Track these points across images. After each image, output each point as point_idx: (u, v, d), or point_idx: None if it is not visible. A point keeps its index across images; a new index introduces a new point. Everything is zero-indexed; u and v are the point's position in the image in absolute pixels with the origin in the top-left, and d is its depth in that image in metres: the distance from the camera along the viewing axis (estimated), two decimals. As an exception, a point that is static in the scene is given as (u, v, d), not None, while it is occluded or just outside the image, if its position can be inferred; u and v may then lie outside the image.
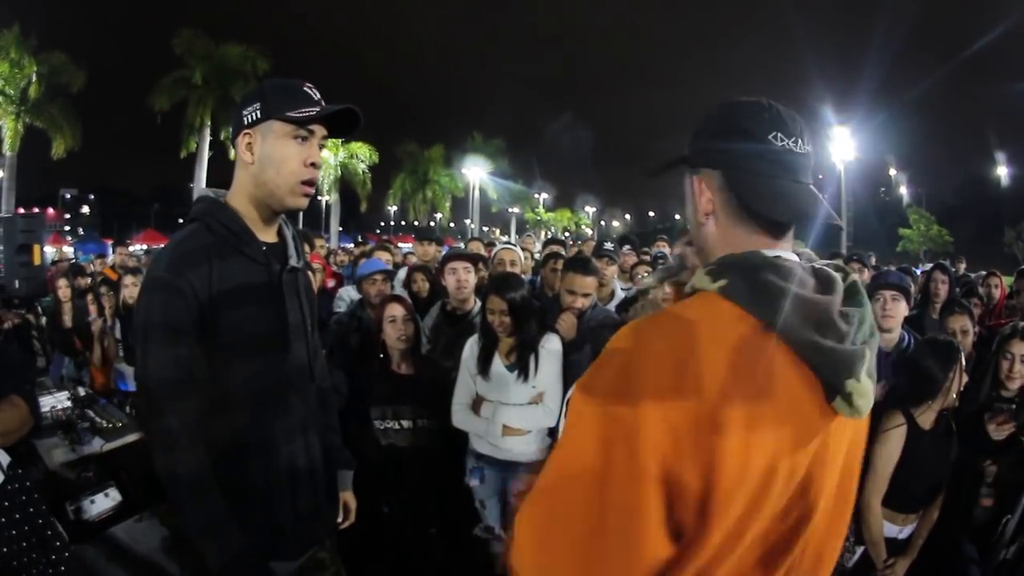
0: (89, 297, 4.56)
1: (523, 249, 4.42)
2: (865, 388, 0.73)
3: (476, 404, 2.43)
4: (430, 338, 2.87)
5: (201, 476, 1.17)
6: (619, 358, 0.72)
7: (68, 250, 18.03)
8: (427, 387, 2.49)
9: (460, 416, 2.44)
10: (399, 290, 3.45)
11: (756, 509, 0.69)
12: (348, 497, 1.62)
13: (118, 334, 4.20)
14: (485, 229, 47.29)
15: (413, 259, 4.89)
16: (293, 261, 1.36)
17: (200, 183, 20.90)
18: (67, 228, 40.14)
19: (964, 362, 2.21)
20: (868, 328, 0.78)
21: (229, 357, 1.23)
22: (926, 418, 2.21)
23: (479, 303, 2.83)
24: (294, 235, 1.42)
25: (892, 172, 47.34)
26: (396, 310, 2.49)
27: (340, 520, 1.60)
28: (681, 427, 0.66)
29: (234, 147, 1.29)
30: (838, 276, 0.79)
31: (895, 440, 2.16)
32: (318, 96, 1.28)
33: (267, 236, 1.33)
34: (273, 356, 1.30)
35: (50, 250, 13.97)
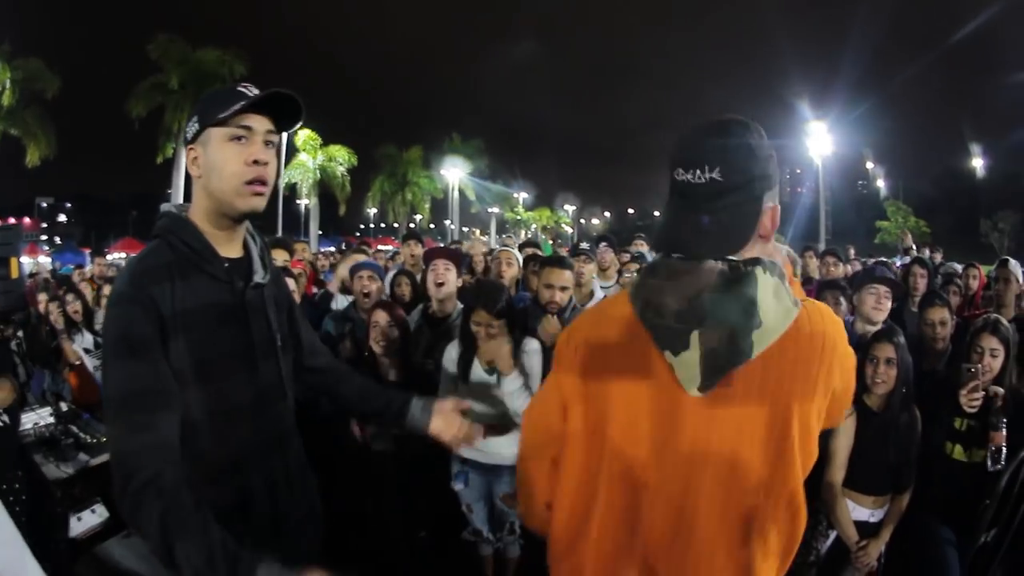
0: (53, 308, 4.39)
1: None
2: (683, 362, 0.89)
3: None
4: (411, 341, 2.86)
5: (182, 498, 1.02)
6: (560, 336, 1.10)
7: (45, 260, 17.63)
8: (414, 389, 2.48)
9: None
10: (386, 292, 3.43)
11: (603, 443, 0.98)
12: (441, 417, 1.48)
13: (89, 344, 4.09)
14: (465, 229, 47.20)
15: (398, 260, 4.85)
16: (258, 277, 1.31)
17: (178, 189, 20.63)
18: (43, 238, 39.30)
19: (895, 354, 2.36)
20: (736, 315, 0.88)
21: (191, 380, 1.17)
22: (872, 401, 2.40)
23: (460, 306, 2.81)
24: (261, 248, 1.36)
25: (869, 165, 48.11)
26: (380, 316, 2.48)
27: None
28: (569, 380, 1.03)
29: (185, 163, 1.27)
30: (701, 267, 0.92)
31: (847, 427, 2.35)
32: (254, 92, 1.21)
33: (230, 251, 1.28)
34: (238, 377, 1.24)
35: (27, 261, 13.65)
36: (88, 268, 7.78)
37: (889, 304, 2.82)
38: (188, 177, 1.26)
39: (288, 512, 1.32)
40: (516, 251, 3.64)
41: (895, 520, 2.39)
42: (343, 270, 3.62)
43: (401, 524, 2.48)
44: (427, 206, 34.07)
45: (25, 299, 5.41)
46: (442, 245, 7.36)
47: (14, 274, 4.11)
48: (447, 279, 2.79)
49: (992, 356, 2.40)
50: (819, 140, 24.20)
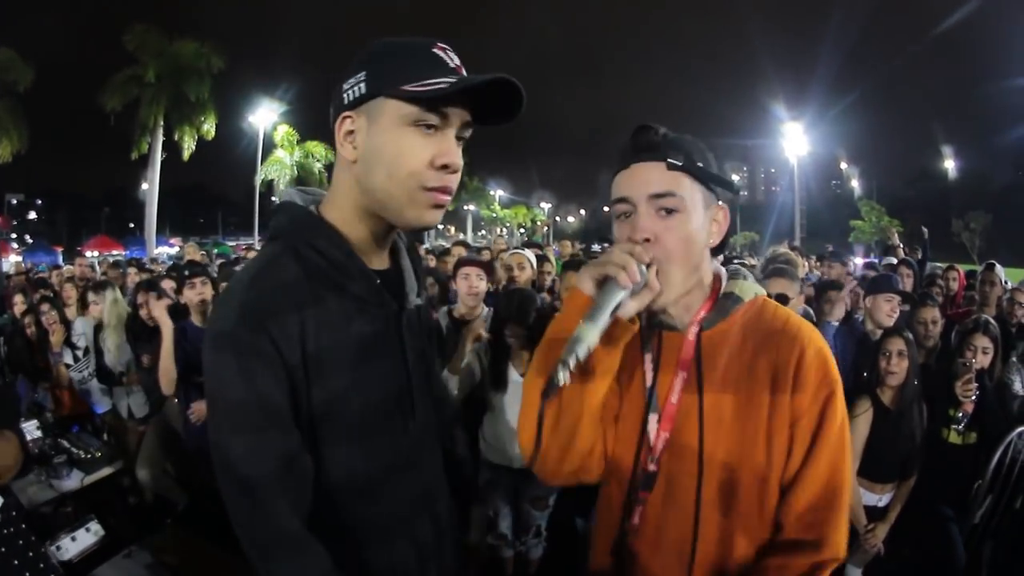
0: (29, 319, 4.17)
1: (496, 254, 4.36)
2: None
3: (485, 411, 2.47)
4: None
5: None
6: None
7: (16, 259, 17.13)
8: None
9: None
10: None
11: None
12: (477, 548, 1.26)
13: (68, 358, 3.89)
14: (440, 227, 47.06)
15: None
16: (414, 296, 1.01)
17: (153, 186, 20.18)
18: (13, 236, 38.16)
19: (905, 347, 2.52)
20: None
21: (334, 441, 0.89)
22: (886, 396, 2.55)
23: (486, 309, 2.84)
24: (411, 252, 1.05)
25: (844, 166, 49.05)
26: None
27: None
28: None
29: (334, 137, 0.90)
30: None
31: (863, 422, 2.51)
32: (455, 62, 0.87)
33: (379, 262, 0.97)
34: (395, 428, 0.96)
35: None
36: (68, 268, 7.42)
37: (898, 311, 3.12)
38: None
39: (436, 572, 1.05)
40: (529, 253, 3.60)
41: (902, 502, 2.56)
42: None
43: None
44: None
45: (4, 303, 5.26)
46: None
47: (-8, 276, 3.96)
48: (480, 288, 2.82)
49: (984, 353, 2.71)
50: (795, 140, 24.64)
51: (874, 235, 35.81)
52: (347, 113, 0.87)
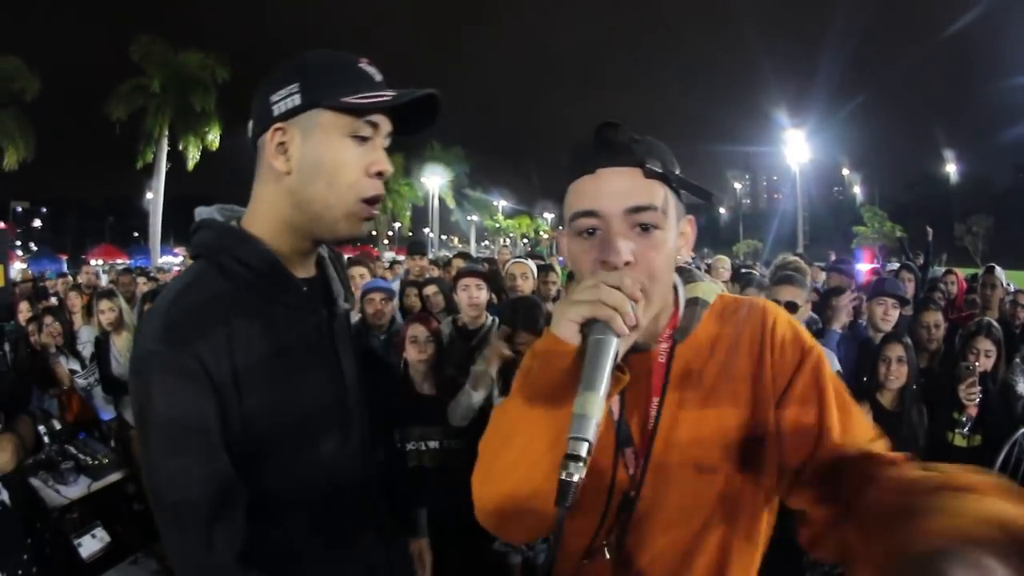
0: (32, 327, 4.17)
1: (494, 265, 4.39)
2: None
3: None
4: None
5: None
6: None
7: (21, 266, 17.22)
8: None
9: (459, 413, 2.42)
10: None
11: None
12: (422, 547, 1.28)
13: (75, 366, 3.90)
14: (444, 238, 47.06)
15: (399, 269, 4.84)
16: (342, 301, 1.00)
17: (158, 195, 20.31)
18: (18, 243, 38.41)
19: (904, 354, 2.55)
20: None
21: (270, 455, 0.86)
22: (886, 399, 2.57)
23: (491, 318, 2.85)
24: (334, 260, 1.04)
25: (845, 172, 49.15)
26: (418, 331, 2.47)
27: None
28: None
29: (255, 149, 0.89)
30: None
31: None
32: (380, 76, 0.89)
33: (304, 271, 0.95)
34: (334, 435, 0.93)
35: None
36: (79, 276, 7.39)
37: (896, 313, 3.07)
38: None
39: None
40: (530, 263, 3.62)
41: None
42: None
43: (433, 538, 2.49)
44: (407, 214, 34.03)
45: (12, 309, 5.29)
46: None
47: (0, 282, 3.97)
48: (480, 299, 2.84)
49: (987, 356, 2.72)
50: (797, 148, 24.70)
51: (877, 241, 35.85)
52: (279, 124, 0.85)
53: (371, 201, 0.89)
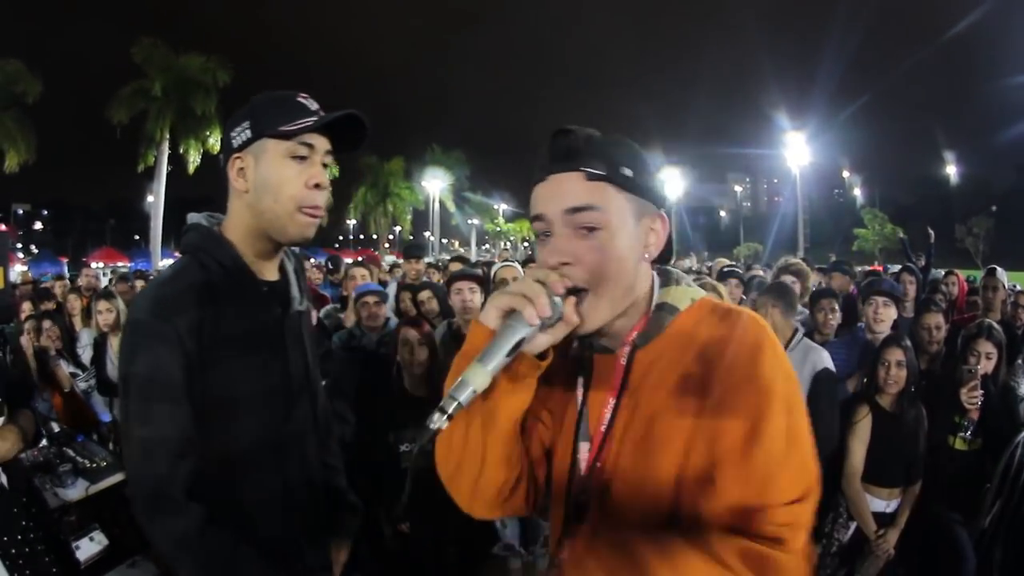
0: (29, 326, 4.13)
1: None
2: None
3: None
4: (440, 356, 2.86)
5: (221, 537, 1.03)
6: None
7: (22, 269, 17.23)
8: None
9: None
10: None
11: None
12: (342, 551, 1.37)
13: (74, 369, 3.90)
14: (444, 241, 46.99)
15: (398, 271, 4.83)
16: (297, 303, 1.21)
17: (159, 199, 20.30)
18: (19, 246, 38.44)
19: (904, 357, 2.54)
20: None
21: (221, 418, 1.07)
22: (885, 401, 2.57)
23: None
24: (297, 270, 1.27)
25: (846, 174, 49.16)
26: (410, 334, 2.48)
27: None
28: None
29: (226, 175, 1.13)
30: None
31: (863, 427, 2.55)
32: (315, 106, 1.11)
33: (268, 273, 1.17)
34: (273, 415, 1.14)
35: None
36: (79, 279, 7.36)
37: (891, 312, 3.00)
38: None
39: (311, 563, 1.23)
40: (517, 266, 3.60)
41: (909, 508, 2.58)
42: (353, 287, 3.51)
43: (431, 541, 2.47)
44: (408, 217, 34.04)
45: (12, 311, 5.29)
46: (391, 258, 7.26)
47: (0, 284, 3.97)
48: (474, 302, 2.84)
49: (987, 358, 2.70)
50: (797, 150, 24.71)
51: (877, 243, 35.85)
52: (237, 154, 1.10)
53: (311, 207, 1.10)
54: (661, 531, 0.76)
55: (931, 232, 5.77)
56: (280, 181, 1.07)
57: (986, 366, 2.68)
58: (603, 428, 0.84)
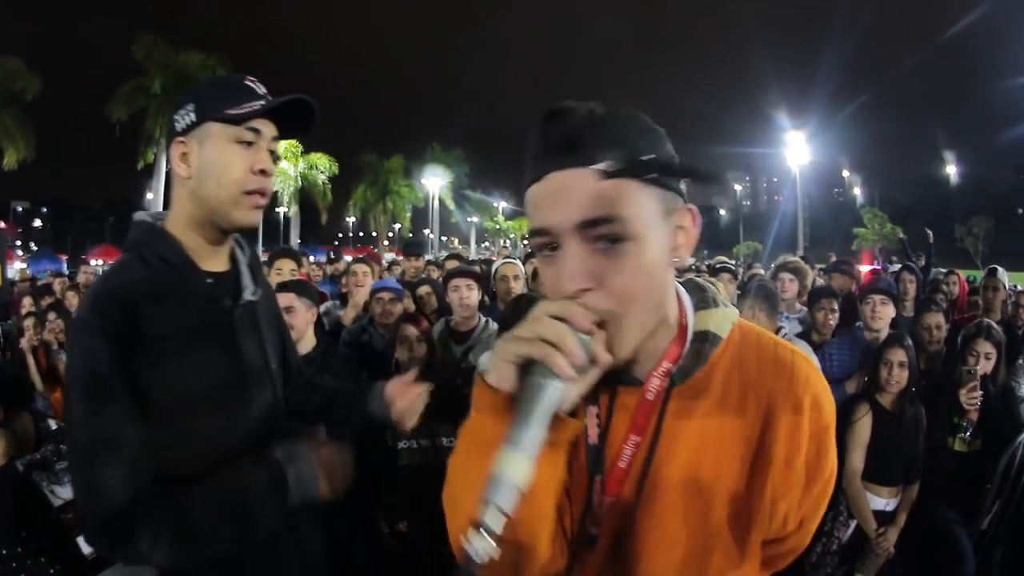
0: (30, 323, 4.12)
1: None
2: None
3: None
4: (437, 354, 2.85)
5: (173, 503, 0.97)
6: None
7: (21, 266, 17.22)
8: (442, 405, 2.48)
9: None
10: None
11: None
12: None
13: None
14: (444, 239, 46.97)
15: (397, 269, 4.82)
16: (247, 293, 1.14)
17: (158, 196, 20.28)
18: (18, 243, 38.40)
19: (906, 358, 2.54)
20: None
21: (171, 418, 1.00)
22: (886, 401, 2.58)
23: (483, 319, 2.82)
24: (251, 259, 1.21)
25: (846, 173, 49.16)
26: (408, 331, 2.47)
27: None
28: None
29: (168, 161, 1.09)
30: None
31: (863, 425, 2.56)
32: (263, 90, 1.09)
33: (215, 264, 1.12)
34: (228, 412, 1.08)
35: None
36: (78, 276, 7.36)
37: (888, 311, 2.99)
38: (167, 179, 1.13)
39: (292, 558, 1.17)
40: (519, 263, 3.58)
41: (908, 507, 2.60)
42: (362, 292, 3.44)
43: (429, 539, 2.47)
44: (408, 215, 34.04)
45: (10, 308, 5.29)
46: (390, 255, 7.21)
47: (-1, 280, 3.97)
48: (472, 299, 2.82)
49: (987, 358, 2.70)
50: (797, 149, 24.74)
51: (877, 242, 35.86)
52: (180, 138, 1.05)
53: (255, 193, 1.06)
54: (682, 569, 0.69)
55: (929, 232, 5.76)
56: (224, 165, 1.04)
57: (985, 366, 2.68)
58: (623, 464, 0.71)
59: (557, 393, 0.57)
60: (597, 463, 0.71)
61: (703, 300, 0.73)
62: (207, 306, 1.08)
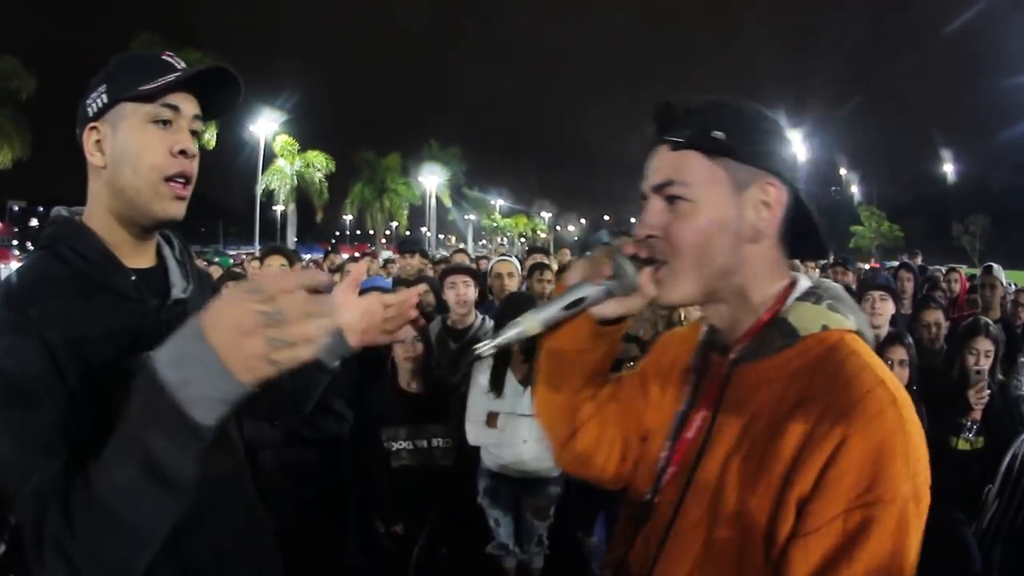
0: None
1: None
2: None
3: (491, 419, 2.43)
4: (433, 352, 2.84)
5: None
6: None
7: (16, 265, 17.18)
8: (437, 406, 2.46)
9: (475, 432, 2.43)
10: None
11: None
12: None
13: None
14: (441, 237, 46.99)
15: (394, 268, 4.79)
16: (177, 291, 1.03)
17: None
18: (15, 242, 38.30)
19: (907, 356, 2.54)
20: None
21: (93, 430, 0.81)
22: None
23: (480, 317, 2.81)
24: (180, 252, 1.09)
25: (843, 172, 49.20)
26: (407, 329, 2.47)
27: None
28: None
29: (81, 149, 0.97)
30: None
31: None
32: (182, 65, 0.97)
33: (139, 260, 1.00)
34: None
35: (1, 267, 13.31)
36: None
37: (888, 307, 2.99)
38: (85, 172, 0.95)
39: (245, 572, 1.06)
40: (514, 260, 3.57)
41: None
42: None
43: (424, 540, 2.45)
44: (405, 213, 34.03)
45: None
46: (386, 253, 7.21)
47: (-8, 283, 3.92)
48: (468, 296, 2.81)
49: (986, 356, 2.69)
50: (794, 147, 24.86)
51: (874, 240, 35.93)
52: (92, 124, 0.94)
53: (176, 179, 0.94)
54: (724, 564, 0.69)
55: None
56: (140, 149, 0.92)
57: (985, 363, 2.67)
58: (688, 436, 0.78)
59: (583, 292, 0.76)
60: (675, 427, 0.81)
61: (808, 294, 0.74)
62: (133, 306, 0.96)
